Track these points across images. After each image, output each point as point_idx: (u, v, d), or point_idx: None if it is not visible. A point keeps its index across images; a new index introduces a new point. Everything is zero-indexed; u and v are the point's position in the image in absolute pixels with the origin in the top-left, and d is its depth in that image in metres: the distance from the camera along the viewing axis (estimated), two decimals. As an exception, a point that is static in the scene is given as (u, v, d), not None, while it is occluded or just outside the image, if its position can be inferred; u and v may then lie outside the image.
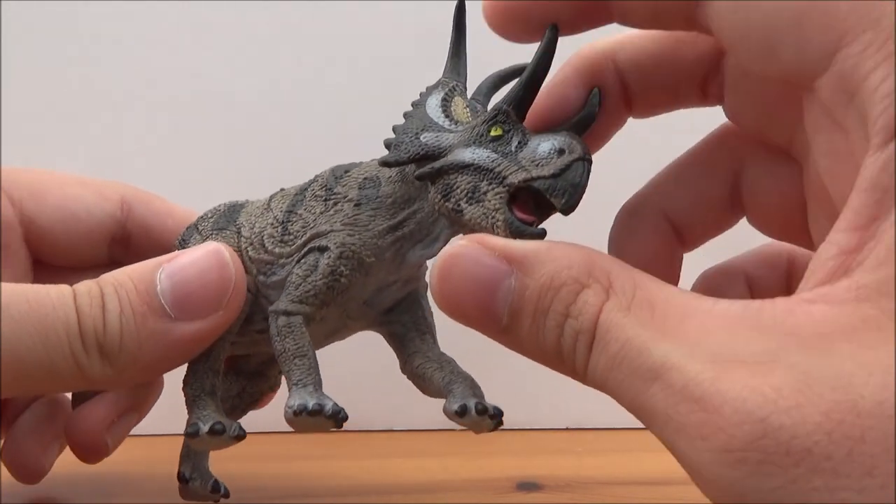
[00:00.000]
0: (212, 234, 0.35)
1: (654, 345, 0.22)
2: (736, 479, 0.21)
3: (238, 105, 0.53)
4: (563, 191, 0.27)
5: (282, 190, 0.35)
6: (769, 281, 0.33)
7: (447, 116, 0.31)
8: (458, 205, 0.29)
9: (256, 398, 0.38)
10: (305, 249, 0.32)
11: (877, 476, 0.20)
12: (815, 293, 0.22)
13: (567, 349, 0.24)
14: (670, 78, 0.30)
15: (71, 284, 0.30)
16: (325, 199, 0.32)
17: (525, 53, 0.30)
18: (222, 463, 0.45)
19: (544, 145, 0.28)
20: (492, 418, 0.30)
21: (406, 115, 0.31)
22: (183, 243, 0.36)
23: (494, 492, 0.43)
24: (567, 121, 0.30)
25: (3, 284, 0.28)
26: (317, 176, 0.34)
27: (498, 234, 0.27)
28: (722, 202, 0.32)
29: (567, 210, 0.27)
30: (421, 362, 0.33)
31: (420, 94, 0.32)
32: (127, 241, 0.39)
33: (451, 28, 0.32)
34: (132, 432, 0.39)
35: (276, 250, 0.32)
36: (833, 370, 0.21)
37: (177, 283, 0.30)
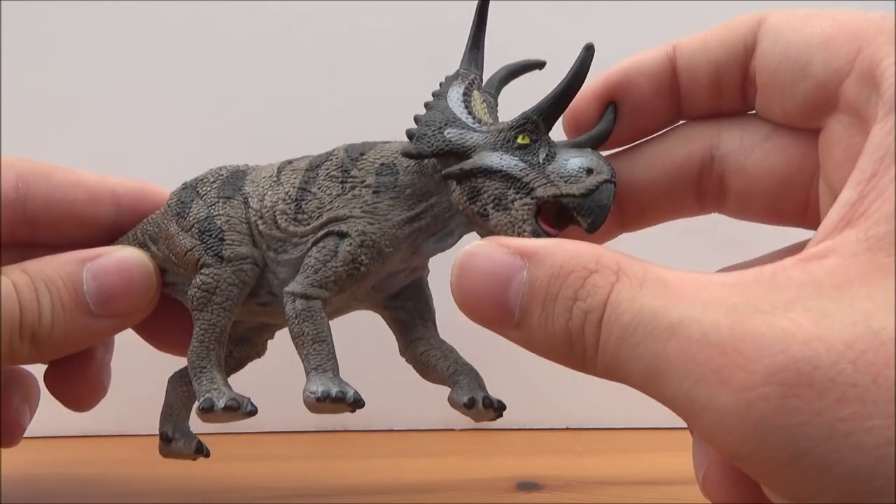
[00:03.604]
0: (217, 202, 0.34)
1: (670, 308, 0.22)
2: (758, 420, 0.20)
3: (237, 104, 0.52)
4: (591, 211, 0.28)
5: (290, 162, 0.34)
6: None
7: (469, 113, 0.31)
8: (485, 209, 0.29)
9: (242, 362, 0.38)
10: (323, 232, 0.32)
11: None
12: (821, 247, 0.23)
13: (575, 331, 0.24)
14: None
15: None
16: (342, 182, 0.32)
17: (537, 52, 0.30)
18: (223, 462, 0.45)
19: (573, 162, 0.28)
20: (495, 411, 0.32)
21: (428, 105, 0.31)
22: (182, 205, 0.34)
23: (494, 492, 0.43)
24: (581, 133, 0.30)
25: None
26: (329, 153, 0.33)
27: None
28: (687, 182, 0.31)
29: (592, 230, 0.28)
30: (425, 349, 0.34)
31: (440, 84, 0.32)
32: (32, 221, 0.36)
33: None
34: (132, 432, 0.39)
35: (290, 228, 0.32)
36: (851, 309, 0.21)
37: (101, 286, 0.33)
